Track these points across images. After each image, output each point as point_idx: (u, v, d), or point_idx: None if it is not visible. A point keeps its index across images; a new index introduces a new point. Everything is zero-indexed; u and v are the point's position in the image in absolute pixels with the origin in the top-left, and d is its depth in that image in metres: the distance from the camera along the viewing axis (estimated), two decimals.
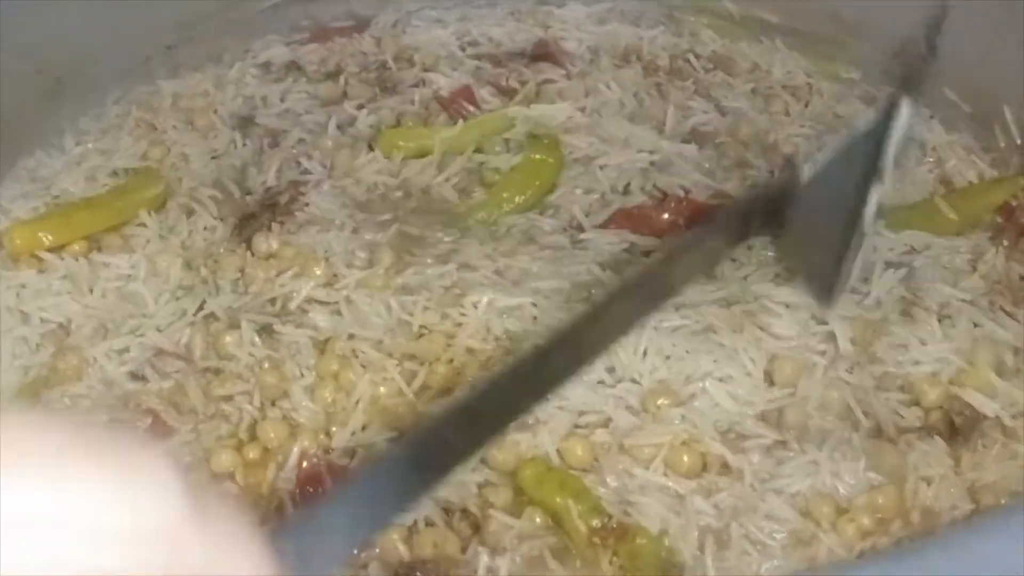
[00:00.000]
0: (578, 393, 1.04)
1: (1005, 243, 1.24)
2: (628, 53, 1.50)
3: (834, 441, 1.03)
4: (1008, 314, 1.15)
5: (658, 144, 1.31)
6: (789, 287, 1.12)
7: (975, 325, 1.12)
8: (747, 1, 1.56)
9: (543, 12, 1.57)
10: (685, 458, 1.00)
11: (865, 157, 0.87)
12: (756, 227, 0.91)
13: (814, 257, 0.94)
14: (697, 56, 1.49)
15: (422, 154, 1.30)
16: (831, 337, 1.09)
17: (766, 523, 0.97)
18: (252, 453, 1.02)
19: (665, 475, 1.00)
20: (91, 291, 1.16)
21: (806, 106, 1.42)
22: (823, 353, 1.08)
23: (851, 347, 1.08)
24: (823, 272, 0.92)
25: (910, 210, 1.27)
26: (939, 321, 1.11)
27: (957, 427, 1.05)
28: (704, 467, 1.01)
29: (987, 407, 1.05)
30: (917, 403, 1.06)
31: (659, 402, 1.03)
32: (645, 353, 1.06)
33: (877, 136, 0.86)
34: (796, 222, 0.91)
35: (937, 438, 1.03)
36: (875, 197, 0.86)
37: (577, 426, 1.02)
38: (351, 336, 1.09)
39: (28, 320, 1.14)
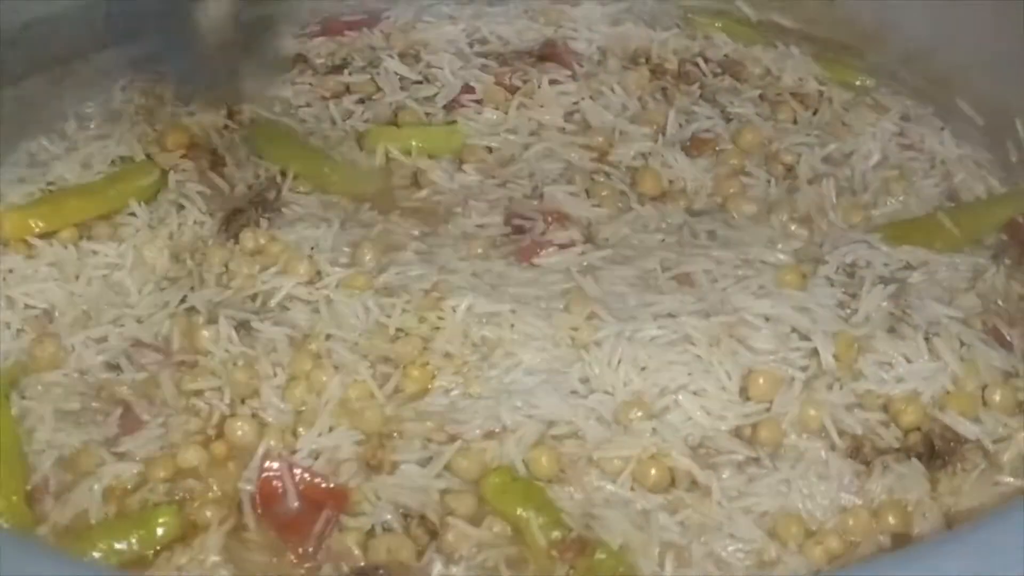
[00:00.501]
0: (549, 403, 1.03)
1: (1007, 261, 1.21)
2: (637, 55, 1.48)
3: (808, 460, 1.01)
4: (1002, 335, 1.12)
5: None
6: (769, 300, 1.09)
7: (963, 345, 1.09)
8: (764, 6, 1.55)
9: (556, 11, 1.55)
10: (652, 472, 0.98)
11: None
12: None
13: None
14: (707, 60, 1.46)
15: (408, 153, 1.30)
16: (812, 352, 1.07)
17: (731, 542, 0.95)
18: (219, 450, 1.02)
19: (632, 489, 0.98)
20: (77, 278, 1.16)
21: (814, 114, 1.40)
22: (804, 368, 1.06)
23: (834, 362, 1.06)
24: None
25: (910, 225, 1.25)
26: (926, 340, 1.08)
27: (937, 450, 1.02)
28: (672, 482, 0.99)
29: (969, 431, 1.03)
30: (897, 423, 1.04)
31: (631, 414, 1.02)
32: (619, 363, 1.04)
33: None
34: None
35: (915, 460, 1.01)
36: None
37: (546, 436, 1.01)
38: (328, 336, 1.09)
39: (13, 305, 1.14)
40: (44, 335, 1.11)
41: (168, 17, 1.09)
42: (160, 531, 0.96)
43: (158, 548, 0.96)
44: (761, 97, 1.41)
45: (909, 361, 1.07)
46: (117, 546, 0.95)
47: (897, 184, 1.29)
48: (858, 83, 1.47)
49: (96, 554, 0.95)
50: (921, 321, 1.11)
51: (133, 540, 0.95)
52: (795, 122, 1.38)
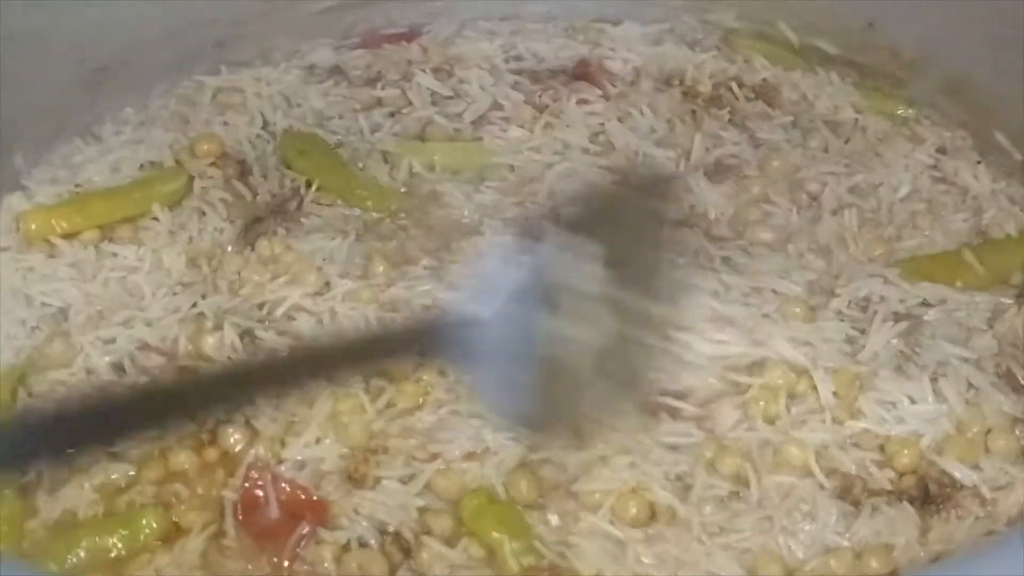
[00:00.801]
0: None
1: None
2: (671, 77, 1.46)
3: (795, 498, 0.99)
4: (1015, 379, 1.09)
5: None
6: None
7: (971, 387, 1.06)
8: (807, 30, 1.52)
9: (596, 29, 1.54)
10: (632, 506, 0.97)
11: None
12: (424, 350, 1.01)
13: (510, 389, 0.96)
14: (741, 84, 1.44)
15: (431, 168, 1.30)
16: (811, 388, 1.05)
17: None
18: (210, 455, 1.03)
19: (611, 521, 0.97)
20: (94, 279, 1.19)
21: (846, 143, 1.37)
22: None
23: (832, 399, 1.04)
24: (520, 403, 0.96)
25: (933, 260, 1.22)
26: (932, 381, 1.06)
27: (931, 495, 1.00)
28: (652, 515, 0.98)
29: (966, 477, 1.00)
30: (892, 464, 1.01)
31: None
32: None
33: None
34: (487, 354, 0.94)
35: (906, 503, 0.99)
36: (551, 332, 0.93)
37: (527, 461, 1.01)
38: None
39: (30, 303, 1.17)
40: (55, 333, 1.14)
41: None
42: (145, 532, 0.98)
43: (141, 548, 0.98)
44: (793, 124, 1.39)
45: (913, 402, 1.05)
46: (101, 544, 0.97)
47: (924, 218, 1.26)
48: (898, 112, 1.43)
49: (80, 551, 0.97)
50: (930, 361, 1.08)
51: (117, 539, 0.97)
52: (826, 150, 1.35)
